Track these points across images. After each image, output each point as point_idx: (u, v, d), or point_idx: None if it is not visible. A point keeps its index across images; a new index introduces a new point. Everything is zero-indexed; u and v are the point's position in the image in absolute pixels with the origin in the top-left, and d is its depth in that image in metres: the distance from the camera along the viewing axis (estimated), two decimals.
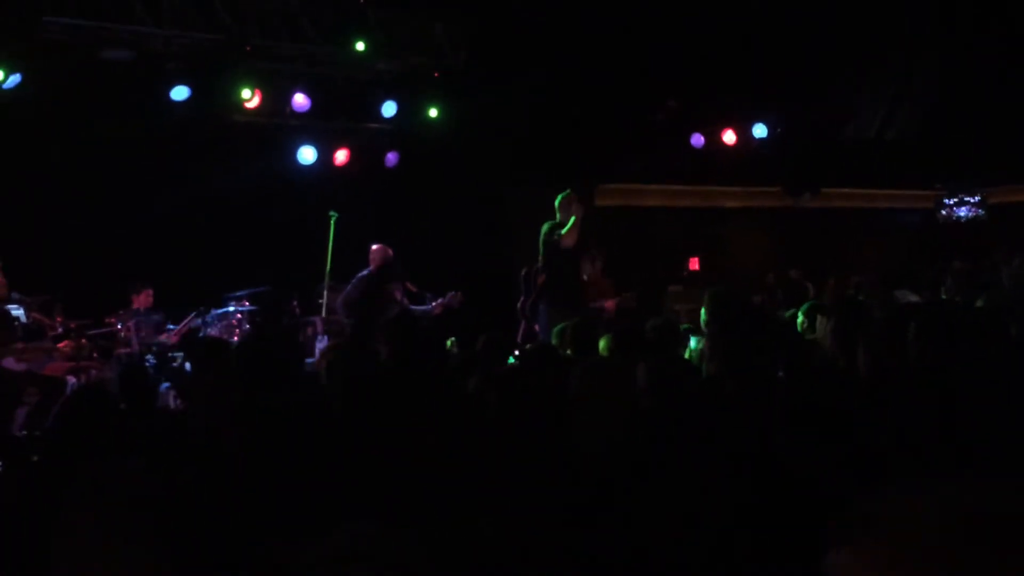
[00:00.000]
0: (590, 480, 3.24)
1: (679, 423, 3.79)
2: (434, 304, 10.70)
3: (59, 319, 9.89)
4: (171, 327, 11.05)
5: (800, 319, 6.65)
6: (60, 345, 9.51)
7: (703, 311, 6.94)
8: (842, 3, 13.27)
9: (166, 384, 8.54)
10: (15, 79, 10.59)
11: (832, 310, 5.68)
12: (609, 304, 11.25)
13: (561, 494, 3.11)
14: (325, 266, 11.22)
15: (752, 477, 3.25)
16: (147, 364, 9.44)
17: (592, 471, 3.30)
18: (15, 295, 9.45)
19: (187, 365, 8.21)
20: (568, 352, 6.52)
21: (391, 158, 13.61)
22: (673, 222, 16.92)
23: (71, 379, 9.06)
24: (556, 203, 9.80)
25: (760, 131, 15.55)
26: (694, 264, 15.90)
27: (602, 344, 6.28)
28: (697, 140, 15.34)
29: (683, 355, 6.41)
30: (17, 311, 9.44)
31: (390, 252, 10.62)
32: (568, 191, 9.81)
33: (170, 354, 10.19)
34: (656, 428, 3.71)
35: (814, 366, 4.92)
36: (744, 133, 15.52)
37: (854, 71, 15.64)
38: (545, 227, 9.73)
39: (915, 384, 4.04)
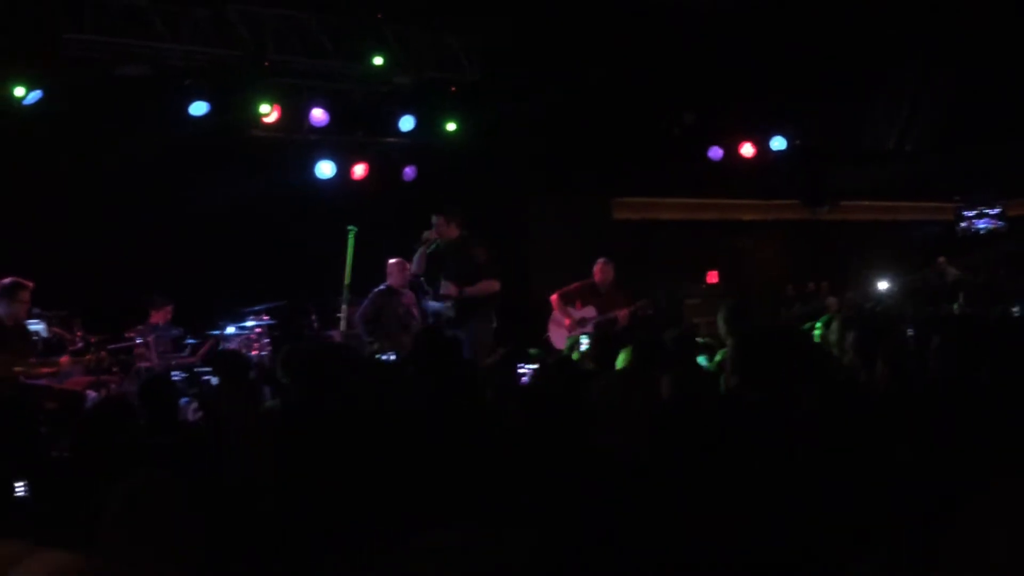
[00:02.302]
0: (614, 493, 3.23)
1: (703, 435, 3.78)
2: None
3: (79, 333, 9.92)
4: (189, 341, 11.09)
5: (819, 331, 6.64)
6: (63, 360, 9.53)
7: (720, 323, 6.93)
8: (860, 14, 13.24)
9: (185, 399, 8.55)
10: (36, 95, 10.66)
11: (853, 322, 5.66)
12: (621, 313, 11.25)
13: (585, 507, 3.10)
14: (343, 280, 11.23)
15: (777, 489, 3.24)
16: (173, 379, 9.46)
17: (616, 483, 3.29)
18: (35, 310, 9.48)
19: (213, 379, 8.22)
20: (589, 365, 6.52)
21: (409, 172, 13.64)
22: (690, 235, 16.88)
23: (91, 393, 9.09)
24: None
25: (778, 143, 15.53)
26: (712, 277, 15.85)
27: (622, 357, 6.26)
28: (715, 153, 15.32)
29: (704, 366, 6.39)
30: (38, 326, 9.47)
31: (407, 266, 10.61)
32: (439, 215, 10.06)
33: (196, 369, 10.21)
34: (680, 440, 3.70)
35: (835, 378, 4.90)
36: (762, 145, 15.49)
37: (872, 82, 15.62)
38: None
39: (937, 396, 4.02)
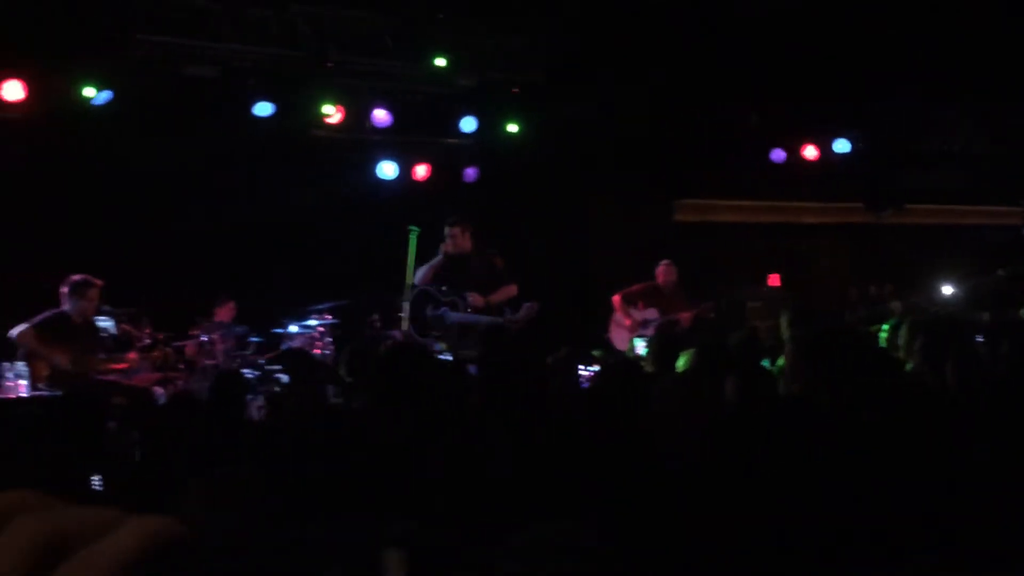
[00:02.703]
0: (677, 496, 3.22)
1: (767, 439, 3.76)
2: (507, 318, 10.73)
3: (147, 330, 10.06)
4: (253, 339, 11.20)
5: (885, 335, 6.57)
6: (131, 356, 9.69)
7: (783, 326, 6.89)
8: (927, 14, 13.08)
9: (250, 396, 8.64)
10: (106, 96, 10.83)
11: (921, 327, 5.60)
12: (684, 315, 11.22)
13: (648, 509, 3.10)
14: (405, 280, 11.28)
15: (843, 495, 3.21)
16: (246, 376, 9.56)
17: (679, 487, 3.29)
18: (105, 307, 9.63)
19: (284, 377, 8.32)
20: (648, 367, 6.51)
21: (470, 173, 13.68)
22: (752, 238, 16.77)
23: (158, 390, 9.22)
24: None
25: (842, 146, 15.39)
26: (774, 280, 15.73)
27: (683, 359, 6.23)
28: (777, 155, 15.21)
29: (768, 370, 6.35)
30: (106, 322, 9.62)
31: None
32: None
33: (267, 367, 10.33)
34: (744, 444, 3.68)
35: (901, 382, 4.86)
36: (825, 148, 15.37)
37: (939, 84, 15.41)
38: None
39: (1007, 401, 3.98)
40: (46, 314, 9.02)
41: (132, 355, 9.65)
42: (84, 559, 0.57)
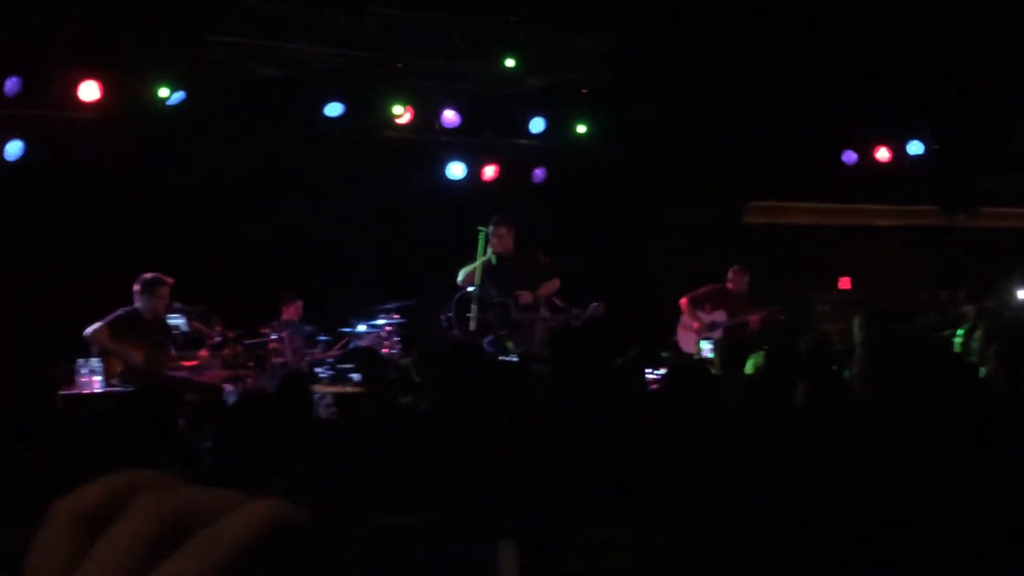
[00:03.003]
0: (750, 498, 3.20)
1: (839, 443, 3.71)
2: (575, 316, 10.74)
3: (217, 328, 10.18)
4: (321, 338, 11.29)
5: (959, 339, 6.48)
6: (201, 353, 9.82)
7: (855, 329, 6.81)
8: (1004, 12, 12.86)
9: (318, 394, 8.71)
10: (180, 96, 10.98)
11: (997, 332, 5.51)
12: (754, 318, 11.15)
13: (722, 512, 3.08)
14: (473, 281, 11.31)
15: (917, 501, 3.17)
16: (318, 375, 9.64)
17: (751, 489, 3.26)
18: (176, 304, 9.76)
19: (355, 376, 8.38)
20: (716, 369, 6.47)
21: (538, 174, 13.68)
22: (822, 240, 16.61)
23: (228, 387, 9.34)
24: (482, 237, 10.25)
25: (915, 148, 15.20)
26: (845, 283, 15.57)
27: (751, 362, 6.20)
28: (849, 157, 15.06)
29: (840, 375, 6.28)
30: (178, 320, 9.75)
31: None
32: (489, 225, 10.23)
33: (338, 366, 10.40)
34: (815, 447, 3.65)
35: (976, 387, 4.78)
36: (898, 150, 15.18)
37: (1016, 84, 15.15)
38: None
39: None
40: (119, 312, 9.16)
41: (203, 352, 9.77)
42: (205, 538, 0.59)
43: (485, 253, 10.39)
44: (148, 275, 9.29)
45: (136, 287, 9.25)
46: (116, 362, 9.02)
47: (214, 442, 4.58)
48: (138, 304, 9.24)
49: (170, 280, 9.33)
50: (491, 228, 10.24)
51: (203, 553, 0.58)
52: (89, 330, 9.02)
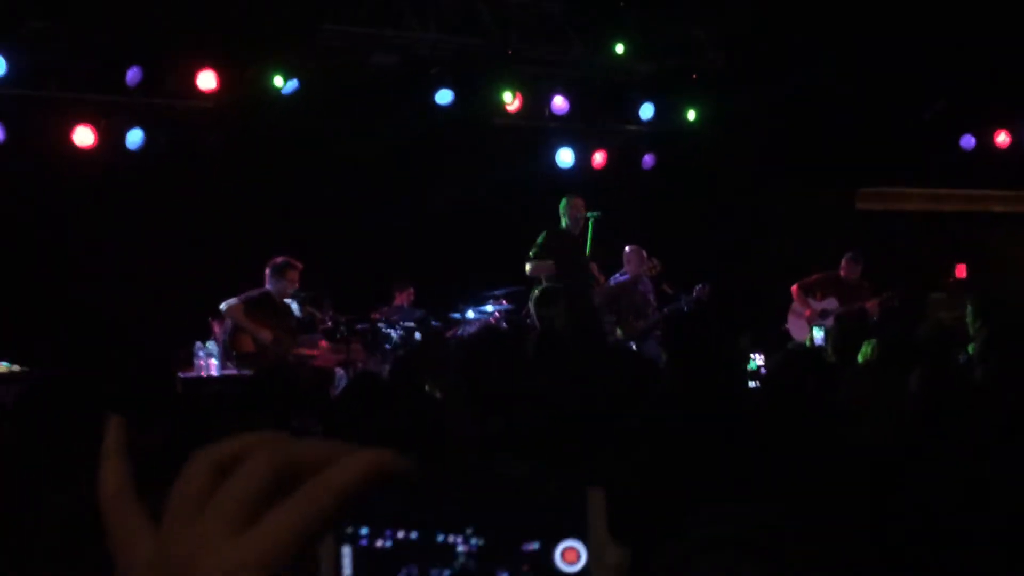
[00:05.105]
0: (865, 487, 3.16)
1: (957, 431, 3.66)
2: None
3: (329, 313, 10.34)
4: (432, 324, 11.39)
5: None
6: (322, 343, 10.01)
7: (969, 317, 6.68)
8: None
9: None
10: (294, 85, 11.16)
11: None
12: (870, 304, 10.99)
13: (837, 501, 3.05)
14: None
15: None
16: None
17: (867, 478, 3.22)
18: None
19: None
20: (829, 357, 6.39)
21: (648, 160, 13.62)
22: (938, 227, 16.26)
23: (339, 371, 9.49)
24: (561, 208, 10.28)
25: None
26: (961, 271, 15.23)
27: (865, 349, 6.10)
28: (967, 142, 14.71)
29: (957, 362, 6.17)
30: (291, 304, 9.94)
31: (644, 253, 10.72)
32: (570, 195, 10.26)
33: None
34: (933, 435, 3.59)
35: None
36: (1018, 134, 14.80)
37: None
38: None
39: None
40: (253, 292, 9.39)
41: (322, 343, 9.99)
42: (315, 483, 0.64)
43: (595, 238, 10.40)
44: (279, 259, 9.50)
45: (268, 270, 9.46)
46: (245, 340, 9.22)
47: (324, 427, 4.65)
48: (269, 286, 9.46)
49: (299, 265, 9.53)
50: (565, 201, 10.34)
51: (313, 496, 0.63)
52: (224, 304, 9.26)
